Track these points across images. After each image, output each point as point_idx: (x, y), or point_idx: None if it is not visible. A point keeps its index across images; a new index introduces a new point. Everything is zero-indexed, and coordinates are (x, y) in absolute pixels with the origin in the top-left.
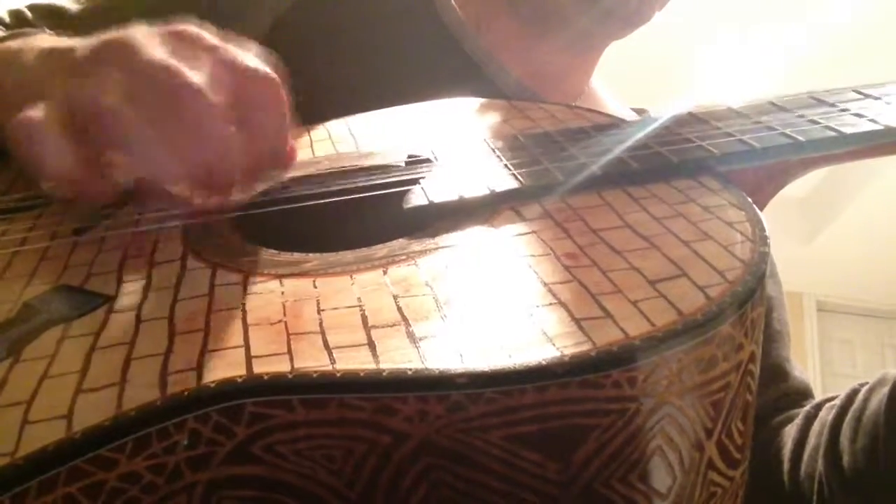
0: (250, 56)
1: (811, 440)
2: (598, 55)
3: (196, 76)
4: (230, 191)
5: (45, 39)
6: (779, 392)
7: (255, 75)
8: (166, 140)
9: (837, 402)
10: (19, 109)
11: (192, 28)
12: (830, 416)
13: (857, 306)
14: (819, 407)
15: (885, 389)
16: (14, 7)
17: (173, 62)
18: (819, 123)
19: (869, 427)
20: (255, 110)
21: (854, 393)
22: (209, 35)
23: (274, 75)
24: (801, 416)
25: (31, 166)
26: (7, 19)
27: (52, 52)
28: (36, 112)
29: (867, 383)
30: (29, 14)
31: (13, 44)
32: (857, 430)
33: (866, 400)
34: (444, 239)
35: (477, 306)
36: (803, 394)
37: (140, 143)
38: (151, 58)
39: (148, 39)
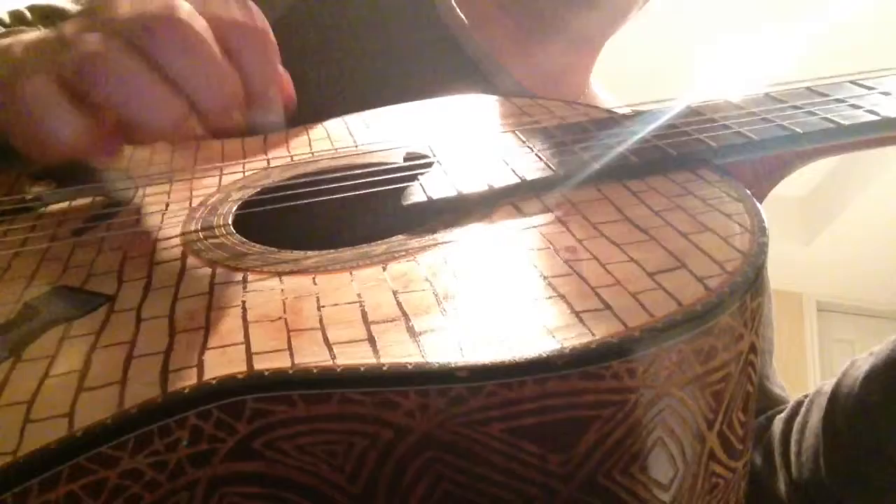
0: (234, 7)
1: (758, 452)
2: (596, 53)
3: (178, 4)
4: (229, 114)
5: (38, 33)
6: (757, 408)
7: (243, 25)
8: (158, 69)
9: (784, 414)
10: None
11: None
12: (779, 429)
13: (857, 306)
14: (770, 419)
15: (823, 402)
16: (14, 7)
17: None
18: (817, 115)
19: (811, 441)
20: (243, 41)
21: (798, 405)
22: None
23: (259, 24)
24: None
25: (39, 140)
26: (7, 19)
27: (40, 40)
28: (30, 85)
29: (808, 395)
30: (28, 14)
31: (4, 41)
32: (801, 443)
33: (808, 411)
34: (443, 235)
35: (477, 300)
36: (781, 411)
37: (133, 76)
38: (133, 5)
39: None
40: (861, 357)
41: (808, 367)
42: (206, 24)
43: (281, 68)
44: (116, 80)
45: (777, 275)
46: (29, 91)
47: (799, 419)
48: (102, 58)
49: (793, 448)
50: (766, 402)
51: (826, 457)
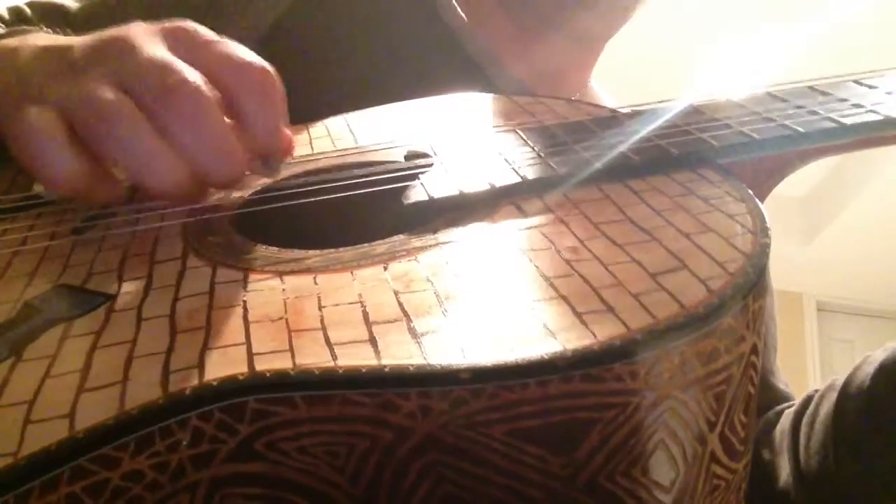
0: (244, 49)
1: (766, 446)
2: (598, 52)
3: (193, 72)
4: (230, 183)
5: (42, 37)
6: (762, 404)
7: (251, 67)
8: (166, 135)
9: (794, 407)
10: (16, 110)
11: (188, 24)
12: (789, 422)
13: (857, 306)
14: (779, 414)
15: (834, 396)
16: (14, 4)
17: (170, 58)
18: (819, 114)
19: (820, 435)
20: (250, 101)
21: (808, 399)
22: (204, 30)
23: (268, 67)
24: (761, 422)
25: (36, 173)
26: (7, 16)
27: (48, 51)
28: (36, 118)
29: (818, 390)
30: (29, 11)
31: (10, 42)
32: (809, 437)
33: (818, 405)
34: (444, 234)
35: (478, 301)
36: (788, 406)
37: (140, 140)
38: (149, 55)
39: (145, 37)
40: (874, 353)
41: (808, 367)
42: (217, 90)
43: (284, 127)
44: (121, 139)
45: (777, 274)
46: (33, 122)
47: (809, 412)
48: (111, 113)
49: (802, 441)
50: (771, 396)
51: (834, 449)
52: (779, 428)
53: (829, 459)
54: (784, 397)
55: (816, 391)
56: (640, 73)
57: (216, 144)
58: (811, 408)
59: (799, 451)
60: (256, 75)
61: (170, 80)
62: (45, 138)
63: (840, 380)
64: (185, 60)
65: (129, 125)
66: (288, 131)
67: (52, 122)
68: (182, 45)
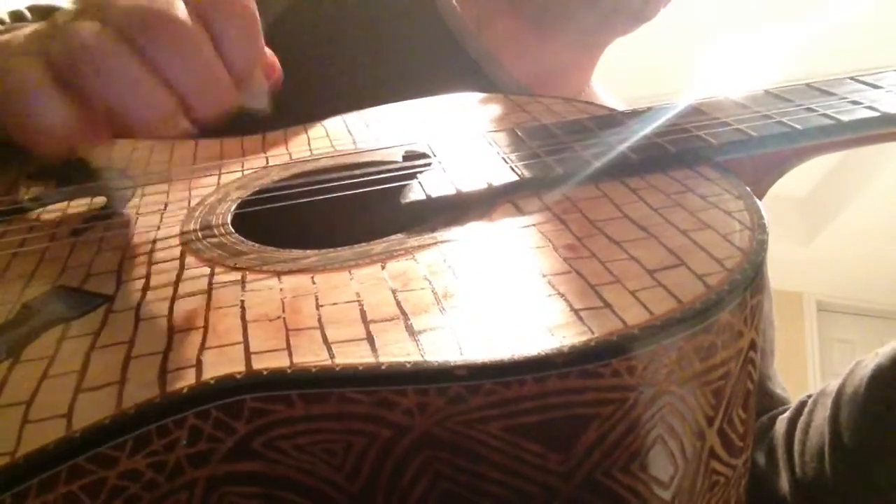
0: None
1: (761, 452)
2: (599, 54)
3: (175, 5)
4: (216, 110)
5: (35, 25)
6: (760, 409)
7: (227, 3)
8: (152, 66)
9: (788, 414)
10: (3, 70)
11: None
12: (783, 429)
13: (857, 306)
14: (773, 419)
15: (828, 402)
16: (14, 8)
17: None
18: (816, 111)
19: (815, 441)
20: (229, 28)
21: (802, 405)
22: None
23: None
24: (756, 427)
25: (27, 127)
26: (7, 20)
27: (36, 29)
28: (21, 68)
29: (811, 395)
30: (29, 15)
31: (2, 37)
32: (804, 443)
33: (812, 412)
34: (442, 233)
35: (476, 299)
36: (784, 411)
37: (125, 70)
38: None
39: None
40: (867, 357)
41: (808, 367)
42: (197, 13)
43: (268, 51)
44: (106, 72)
45: (777, 274)
46: (16, 74)
47: (803, 418)
48: (94, 48)
49: (796, 447)
50: (769, 402)
51: (830, 456)
52: (773, 434)
53: (825, 466)
54: (781, 402)
55: (809, 396)
56: (639, 73)
57: (203, 70)
58: (805, 414)
59: (794, 458)
60: (235, 6)
61: (153, 14)
62: (30, 86)
63: (833, 385)
64: None
65: (113, 57)
66: (269, 53)
67: (37, 70)
68: None
